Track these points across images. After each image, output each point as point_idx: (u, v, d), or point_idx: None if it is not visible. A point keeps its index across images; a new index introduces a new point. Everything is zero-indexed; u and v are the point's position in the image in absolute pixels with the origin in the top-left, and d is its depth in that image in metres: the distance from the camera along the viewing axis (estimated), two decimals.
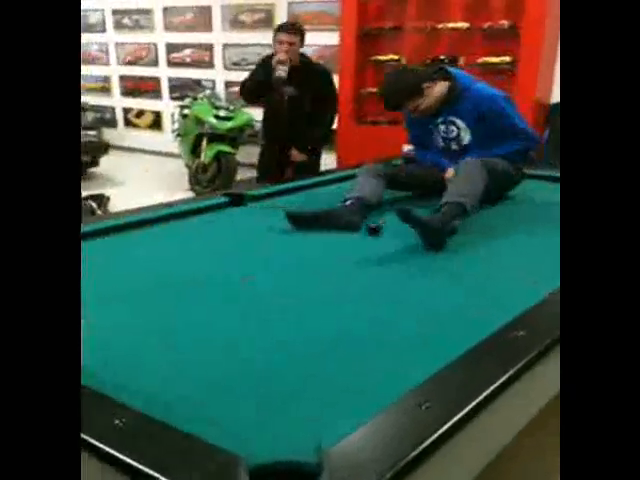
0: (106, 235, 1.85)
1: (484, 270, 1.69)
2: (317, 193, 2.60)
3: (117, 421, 0.85)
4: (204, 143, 5.12)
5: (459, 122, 2.41)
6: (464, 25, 4.34)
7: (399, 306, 1.40)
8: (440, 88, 2.34)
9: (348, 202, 2.15)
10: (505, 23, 4.17)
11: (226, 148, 5.05)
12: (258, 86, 3.32)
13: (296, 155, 3.47)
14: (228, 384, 1.05)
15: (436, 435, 0.85)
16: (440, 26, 4.42)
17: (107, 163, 6.00)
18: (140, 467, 0.78)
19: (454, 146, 2.47)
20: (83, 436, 0.82)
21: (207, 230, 2.03)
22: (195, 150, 5.27)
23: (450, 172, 2.31)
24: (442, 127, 2.46)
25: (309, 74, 3.34)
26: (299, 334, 1.24)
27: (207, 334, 1.24)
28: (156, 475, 0.76)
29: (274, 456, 0.80)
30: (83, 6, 7.03)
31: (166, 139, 6.49)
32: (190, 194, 5.05)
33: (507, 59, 4.19)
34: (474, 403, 0.93)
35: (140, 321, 1.29)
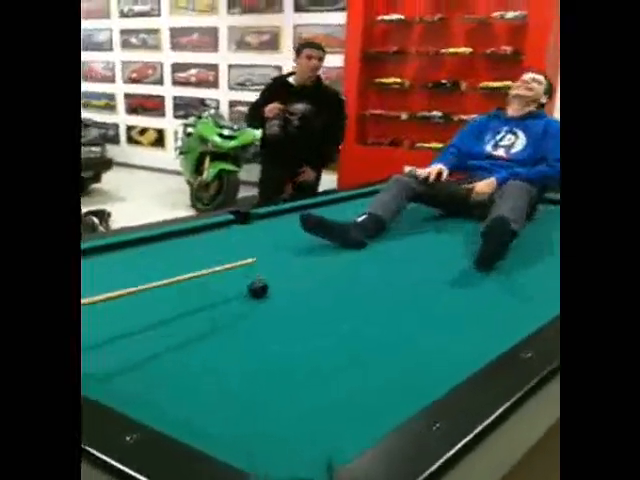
0: (115, 250, 1.87)
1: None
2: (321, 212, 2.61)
3: (128, 437, 0.85)
4: (207, 161, 5.15)
5: (520, 134, 2.58)
6: (467, 50, 4.41)
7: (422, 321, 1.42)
8: (539, 103, 2.65)
9: (360, 218, 2.14)
10: (508, 49, 4.24)
11: (229, 166, 5.08)
12: (259, 119, 3.44)
13: (309, 173, 3.49)
14: (239, 400, 1.05)
15: (446, 457, 0.85)
16: (443, 51, 4.49)
17: (109, 179, 6.03)
18: None
19: (500, 151, 2.57)
20: (94, 451, 0.82)
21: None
22: (198, 168, 5.30)
23: (480, 187, 2.40)
24: (504, 132, 2.61)
25: (324, 93, 3.44)
26: (309, 350, 1.25)
27: (215, 345, 1.25)
28: None
29: (286, 474, 0.80)
30: (92, 25, 7.13)
31: (168, 157, 6.53)
32: (191, 212, 5.06)
33: (510, 84, 4.23)
34: (484, 424, 0.93)
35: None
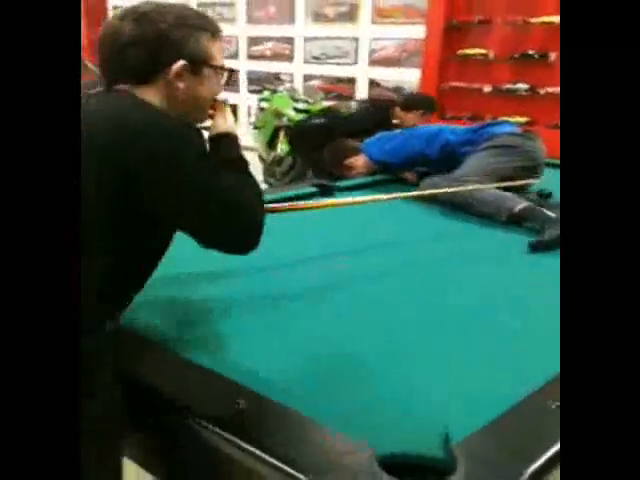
0: None
1: None
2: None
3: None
4: (281, 136, 5.14)
5: None
6: (558, 19, 4.14)
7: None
8: None
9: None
10: None
11: None
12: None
13: None
14: (351, 372, 1.04)
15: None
16: (532, 20, 4.23)
17: None
18: (263, 455, 0.76)
19: None
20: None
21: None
22: (272, 143, 5.30)
23: None
24: None
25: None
26: (421, 328, 1.22)
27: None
28: (283, 467, 0.73)
29: (402, 448, 0.76)
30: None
31: (241, 132, 6.58)
32: (264, 186, 5.08)
33: None
34: None
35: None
